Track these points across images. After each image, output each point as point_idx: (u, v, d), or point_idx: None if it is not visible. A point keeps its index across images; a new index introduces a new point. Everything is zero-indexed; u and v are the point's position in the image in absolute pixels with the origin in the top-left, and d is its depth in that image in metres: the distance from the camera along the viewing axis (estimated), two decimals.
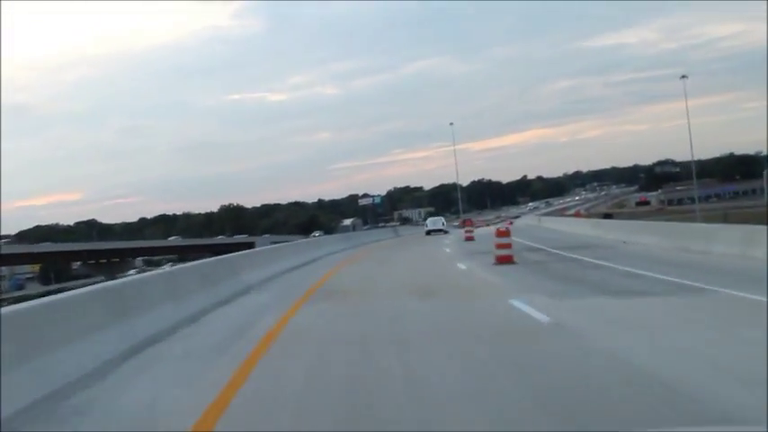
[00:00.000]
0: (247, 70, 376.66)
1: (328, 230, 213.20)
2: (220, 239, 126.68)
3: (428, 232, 62.54)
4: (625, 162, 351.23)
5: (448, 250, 35.86)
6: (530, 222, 72.49)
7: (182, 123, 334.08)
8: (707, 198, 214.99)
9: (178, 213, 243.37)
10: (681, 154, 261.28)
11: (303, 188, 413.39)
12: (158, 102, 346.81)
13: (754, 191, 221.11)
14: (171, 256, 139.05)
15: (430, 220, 73.31)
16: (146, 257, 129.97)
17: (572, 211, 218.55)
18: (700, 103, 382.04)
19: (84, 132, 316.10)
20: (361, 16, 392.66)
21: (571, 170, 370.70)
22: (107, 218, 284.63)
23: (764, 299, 11.77)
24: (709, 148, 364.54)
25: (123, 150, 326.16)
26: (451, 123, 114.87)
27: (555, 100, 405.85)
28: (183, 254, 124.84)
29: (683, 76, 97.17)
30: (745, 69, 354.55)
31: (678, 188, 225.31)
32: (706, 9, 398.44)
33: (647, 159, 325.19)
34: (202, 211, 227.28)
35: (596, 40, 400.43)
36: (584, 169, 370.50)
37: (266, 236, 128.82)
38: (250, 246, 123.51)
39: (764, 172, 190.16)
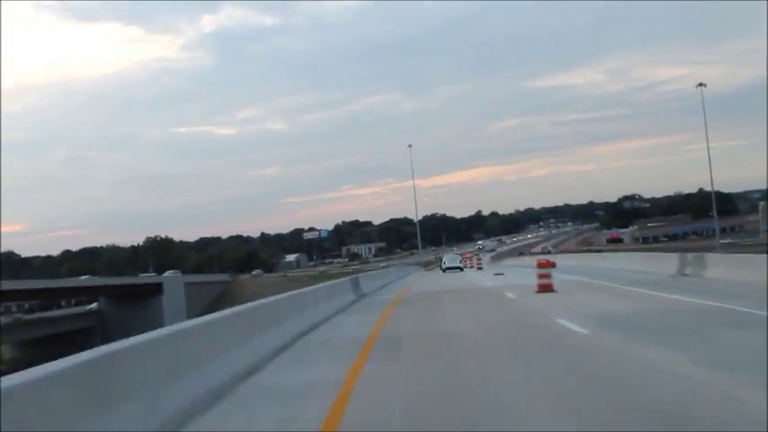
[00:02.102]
0: (195, 103, 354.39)
1: (268, 268, 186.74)
2: (121, 280, 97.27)
3: (444, 270, 60.64)
4: (574, 199, 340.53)
5: None
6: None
7: (128, 155, 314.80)
8: (684, 235, 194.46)
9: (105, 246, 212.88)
10: (635, 191, 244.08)
11: (250, 223, 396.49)
12: (104, 133, 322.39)
13: (733, 228, 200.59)
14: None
15: (447, 257, 70.40)
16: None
17: (539, 248, 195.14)
18: (646, 143, 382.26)
19: (27, 162, 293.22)
20: (312, 52, 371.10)
21: (523, 206, 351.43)
22: (54, 250, 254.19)
23: None
24: (657, 187, 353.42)
25: (67, 181, 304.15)
26: (410, 146, 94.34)
27: (502, 138, 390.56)
28: (78, 296, 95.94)
29: (701, 84, 74.18)
30: (686, 112, 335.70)
31: (650, 225, 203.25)
32: (649, 53, 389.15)
33: (598, 197, 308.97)
34: (132, 244, 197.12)
35: (543, 81, 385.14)
36: (536, 206, 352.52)
37: (177, 274, 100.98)
38: (158, 288, 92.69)
39: (761, 205, 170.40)
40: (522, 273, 41.76)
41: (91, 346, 7.12)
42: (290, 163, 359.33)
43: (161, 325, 12.18)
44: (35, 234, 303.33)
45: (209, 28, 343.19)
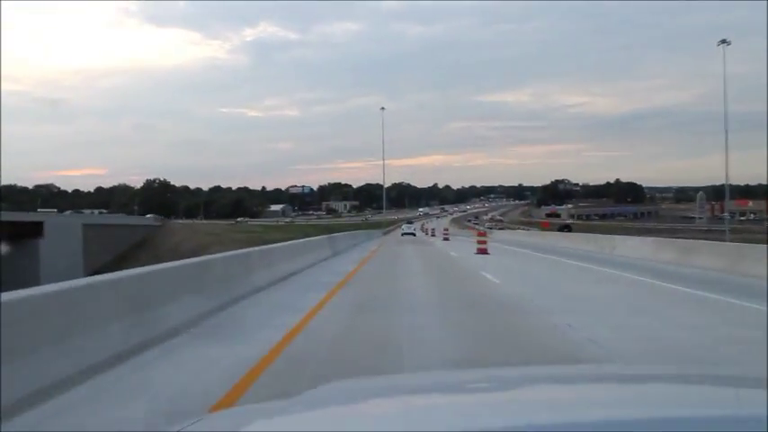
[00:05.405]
0: (234, 92, 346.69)
1: (254, 215, 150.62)
2: None
3: (402, 234, 54.51)
4: (506, 183, 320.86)
5: None
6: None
7: (181, 125, 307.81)
8: (612, 216, 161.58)
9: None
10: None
11: (266, 180, 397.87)
12: (166, 107, 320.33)
13: (649, 213, 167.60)
14: None
15: (405, 226, 63.28)
16: None
17: (488, 215, 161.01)
18: (556, 149, 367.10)
19: (106, 125, 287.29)
20: (321, 61, 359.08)
21: (467, 184, 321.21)
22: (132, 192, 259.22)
23: None
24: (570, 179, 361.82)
25: (136, 141, 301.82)
26: (383, 108, 63.50)
27: (453, 135, 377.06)
28: None
29: (724, 41, 38.31)
30: (585, 128, 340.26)
31: (582, 204, 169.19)
32: (563, 83, 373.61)
33: (526, 182, 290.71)
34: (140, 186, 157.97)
35: (485, 97, 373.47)
36: (477, 184, 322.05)
37: (85, 213, 61.67)
38: (36, 228, 36.46)
39: (699, 194, 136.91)
40: None
41: None
42: (300, 140, 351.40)
43: (35, 281, 5.50)
44: (113, 177, 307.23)
45: (249, 38, 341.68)
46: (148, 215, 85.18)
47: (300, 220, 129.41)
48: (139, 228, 60.25)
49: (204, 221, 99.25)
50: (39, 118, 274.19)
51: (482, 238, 21.86)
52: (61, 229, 44.06)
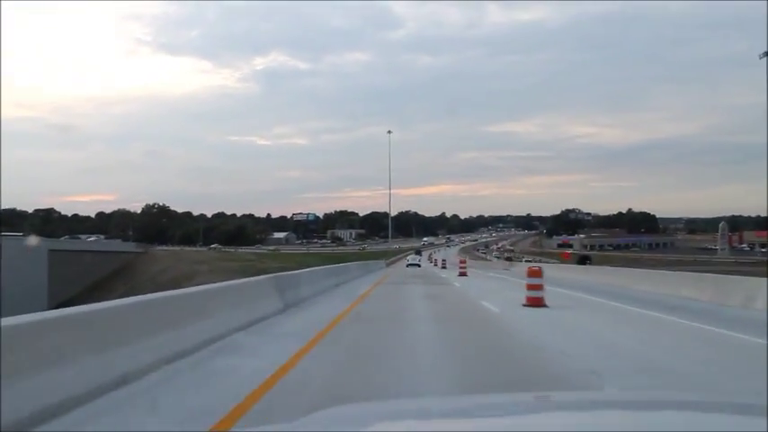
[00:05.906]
0: (244, 120, 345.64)
1: (259, 242, 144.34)
2: None
3: (407, 266, 51.44)
4: (514, 212, 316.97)
5: None
6: None
7: (191, 153, 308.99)
8: (627, 246, 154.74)
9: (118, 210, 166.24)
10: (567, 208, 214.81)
11: (274, 209, 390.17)
12: (176, 135, 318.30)
13: (665, 244, 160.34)
14: None
15: (411, 256, 63.31)
16: None
17: (498, 245, 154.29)
18: (563, 179, 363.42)
19: (117, 151, 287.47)
20: (331, 90, 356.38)
21: (475, 214, 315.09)
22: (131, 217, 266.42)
23: None
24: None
25: (145, 167, 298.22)
26: (389, 132, 66.95)
27: (461, 165, 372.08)
28: None
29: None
30: (593, 159, 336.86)
31: (594, 234, 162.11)
32: (570, 114, 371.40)
33: (534, 212, 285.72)
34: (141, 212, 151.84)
35: (494, 127, 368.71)
36: (486, 214, 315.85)
37: (81, 238, 55.42)
38: None
39: (721, 225, 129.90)
40: None
41: None
42: (308, 168, 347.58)
43: None
44: (121, 203, 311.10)
45: (259, 66, 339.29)
46: (97, 237, 79.34)
47: (289, 249, 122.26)
48: (118, 255, 54.00)
49: (201, 249, 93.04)
50: (51, 144, 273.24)
51: (536, 281, 13.33)
52: (20, 254, 37.74)
